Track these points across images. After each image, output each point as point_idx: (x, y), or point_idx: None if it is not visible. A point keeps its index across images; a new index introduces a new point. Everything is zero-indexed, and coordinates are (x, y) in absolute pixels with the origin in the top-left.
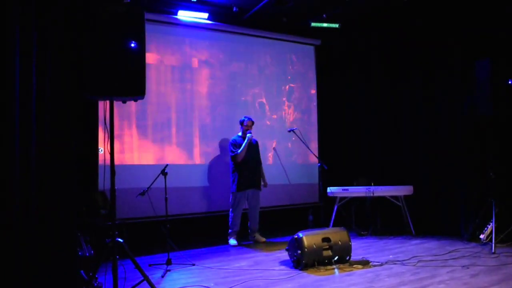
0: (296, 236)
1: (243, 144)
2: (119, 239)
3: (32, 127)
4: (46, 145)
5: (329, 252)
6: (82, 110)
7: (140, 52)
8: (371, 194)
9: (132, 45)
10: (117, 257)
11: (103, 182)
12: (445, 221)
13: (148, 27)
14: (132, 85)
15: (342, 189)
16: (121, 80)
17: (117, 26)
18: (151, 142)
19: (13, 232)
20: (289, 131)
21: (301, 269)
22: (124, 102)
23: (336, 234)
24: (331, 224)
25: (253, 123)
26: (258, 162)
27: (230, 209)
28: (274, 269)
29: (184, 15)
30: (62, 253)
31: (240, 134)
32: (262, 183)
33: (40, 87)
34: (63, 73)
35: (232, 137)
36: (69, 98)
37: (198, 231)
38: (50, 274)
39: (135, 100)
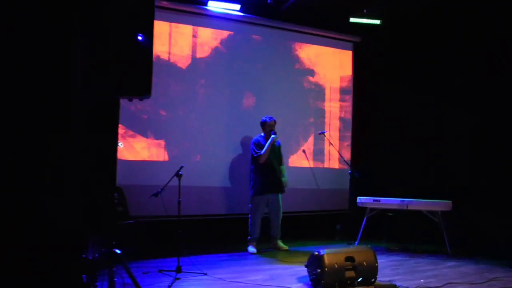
0: (317, 253)
1: (266, 145)
2: (117, 250)
3: None
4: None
5: (352, 273)
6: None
7: (148, 46)
8: (405, 207)
9: (139, 38)
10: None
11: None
12: (485, 242)
13: (176, 17)
14: (136, 83)
15: (373, 200)
16: (126, 77)
17: (123, 16)
18: (168, 138)
19: (13, 231)
20: (320, 133)
21: None
22: (130, 100)
23: (361, 254)
24: (359, 236)
25: (275, 122)
26: (280, 165)
27: (249, 215)
28: (290, 287)
29: (214, 6)
30: (65, 255)
31: (262, 134)
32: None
33: None
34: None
35: (254, 137)
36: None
37: (215, 234)
38: (51, 277)
39: (141, 99)
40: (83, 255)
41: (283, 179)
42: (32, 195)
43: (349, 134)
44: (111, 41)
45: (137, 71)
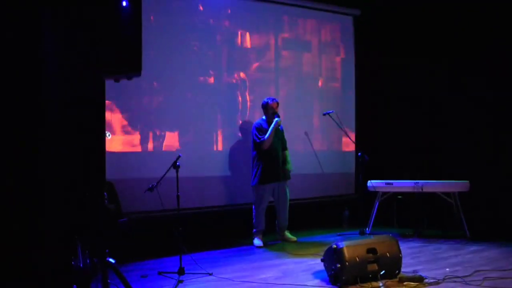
0: (335, 246)
1: (270, 129)
2: (110, 259)
3: None
4: None
5: (375, 266)
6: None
7: (135, 14)
8: (420, 190)
9: (124, 3)
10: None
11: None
12: (507, 223)
13: None
14: (124, 58)
15: (386, 183)
16: (110, 51)
17: None
18: (160, 126)
19: None
20: (325, 114)
21: (340, 287)
22: (116, 80)
23: (384, 244)
24: (371, 222)
25: (278, 104)
26: (284, 150)
27: (253, 206)
28: (306, 285)
29: None
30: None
31: (264, 118)
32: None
33: None
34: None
35: (256, 121)
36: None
37: (217, 227)
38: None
39: (129, 78)
40: (73, 263)
41: (287, 165)
42: (11, 197)
43: (352, 114)
44: (90, 9)
45: (124, 43)
